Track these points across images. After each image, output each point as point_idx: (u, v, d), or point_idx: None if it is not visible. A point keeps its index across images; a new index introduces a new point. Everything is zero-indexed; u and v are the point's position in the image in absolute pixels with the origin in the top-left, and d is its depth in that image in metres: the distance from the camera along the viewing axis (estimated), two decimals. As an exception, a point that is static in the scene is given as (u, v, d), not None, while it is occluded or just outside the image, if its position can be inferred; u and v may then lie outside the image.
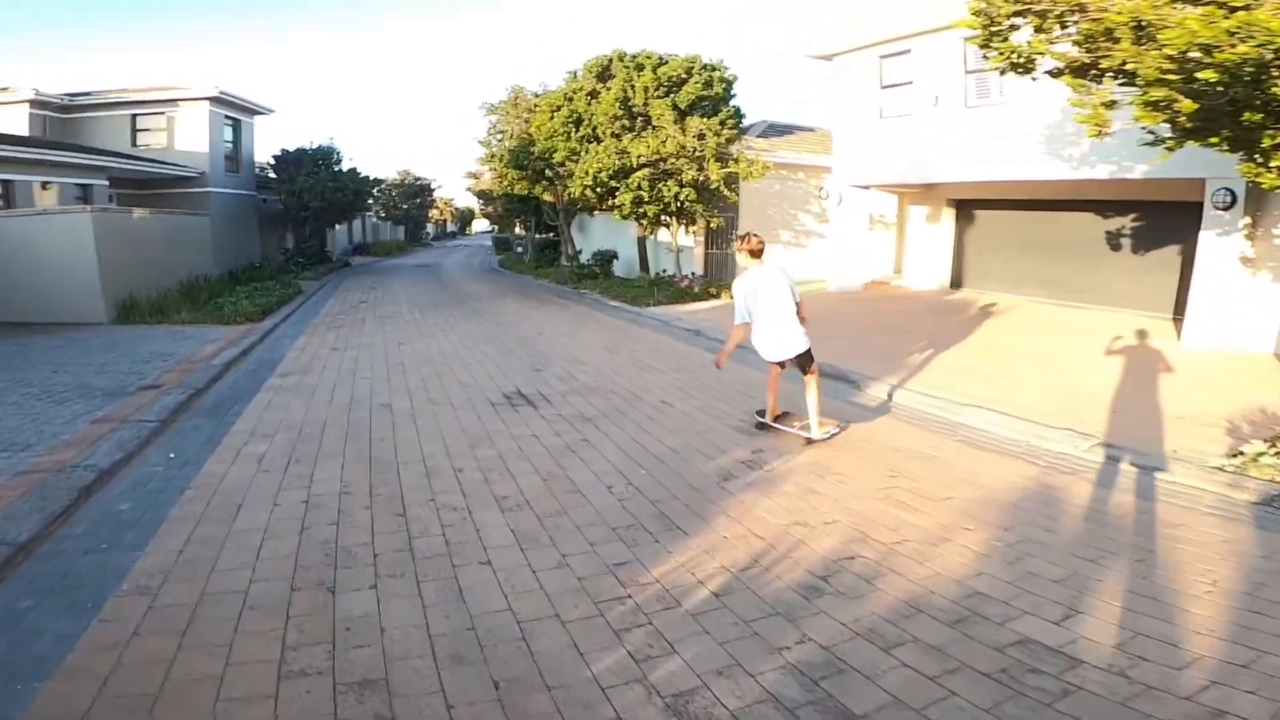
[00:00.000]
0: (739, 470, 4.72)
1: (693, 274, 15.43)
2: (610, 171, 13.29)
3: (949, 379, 6.88)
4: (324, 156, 24.80)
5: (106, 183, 16.94)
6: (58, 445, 5.01)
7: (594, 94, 16.51)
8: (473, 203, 73.64)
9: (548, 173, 16.55)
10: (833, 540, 3.66)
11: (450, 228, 76.90)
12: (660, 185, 13.17)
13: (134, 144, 20.59)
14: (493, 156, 22.78)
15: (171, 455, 5.10)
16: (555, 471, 4.74)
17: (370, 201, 29.94)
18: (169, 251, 13.70)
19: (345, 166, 25.43)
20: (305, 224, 24.06)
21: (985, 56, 6.76)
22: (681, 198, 13.24)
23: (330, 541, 3.65)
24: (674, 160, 13.21)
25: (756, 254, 5.28)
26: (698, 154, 13.37)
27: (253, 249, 23.06)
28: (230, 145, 22.58)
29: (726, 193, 13.69)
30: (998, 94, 11.21)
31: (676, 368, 8.11)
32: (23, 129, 18.50)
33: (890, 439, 5.40)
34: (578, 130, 15.42)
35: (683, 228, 14.78)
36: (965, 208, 14.53)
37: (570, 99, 16.63)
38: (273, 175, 24.35)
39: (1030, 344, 8.79)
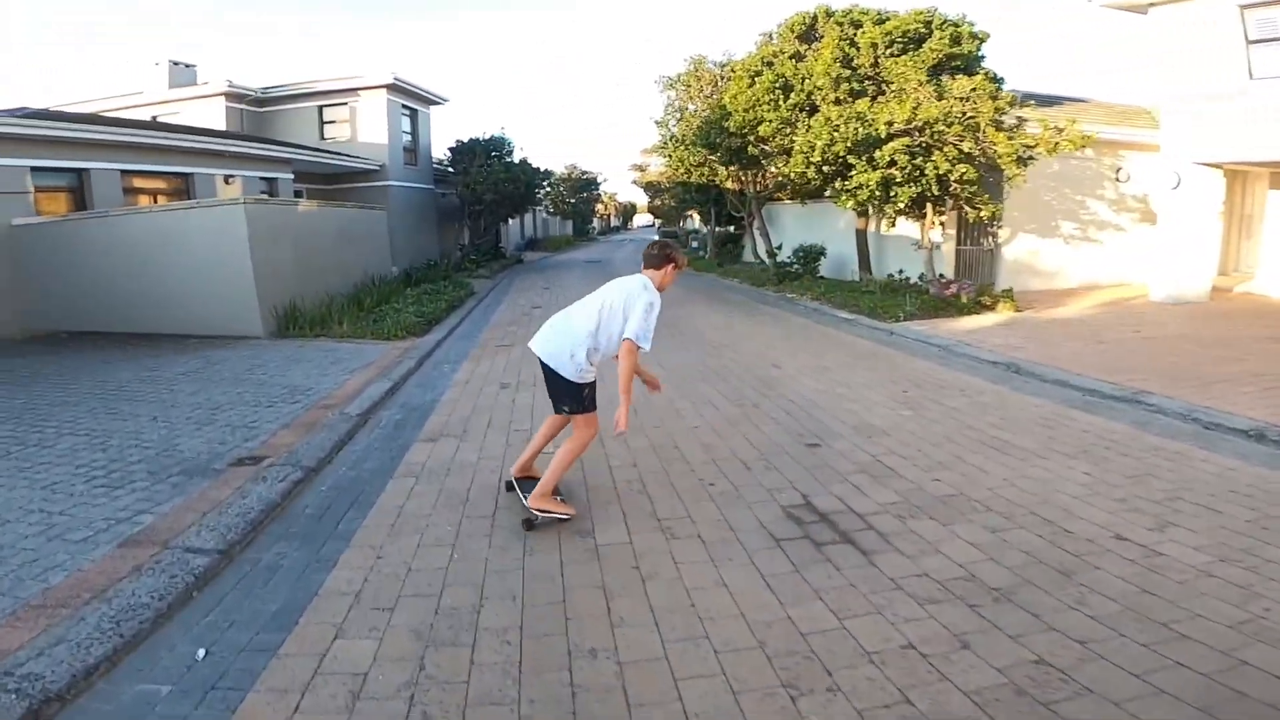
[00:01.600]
0: None
1: (946, 278, 11.49)
2: (850, 143, 9.79)
3: None
4: (496, 147, 23.43)
5: (291, 176, 16.24)
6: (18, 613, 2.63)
7: (797, 56, 13.04)
8: (635, 196, 72.53)
9: (750, 150, 13.31)
10: None
11: (613, 222, 76.39)
12: (923, 160, 9.46)
13: (321, 136, 20.21)
14: (670, 140, 19.99)
15: (201, 654, 2.57)
16: None
17: (541, 195, 28.46)
18: (343, 250, 12.26)
19: (516, 158, 23.97)
20: (480, 218, 22.83)
21: None
22: (954, 176, 9.44)
23: None
24: (940, 129, 9.45)
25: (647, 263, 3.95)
26: (970, 120, 9.50)
27: (430, 246, 22.18)
28: (408, 137, 21.76)
29: (1015, 170, 9.68)
30: None
31: (1060, 446, 4.60)
32: (219, 123, 18.51)
33: None
34: (787, 98, 12.04)
35: (914, 218, 10.93)
36: None
37: (770, 63, 13.28)
38: (450, 169, 23.38)
39: None
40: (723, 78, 16.69)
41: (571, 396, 3.70)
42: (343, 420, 5.50)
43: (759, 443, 4.97)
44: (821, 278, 14.47)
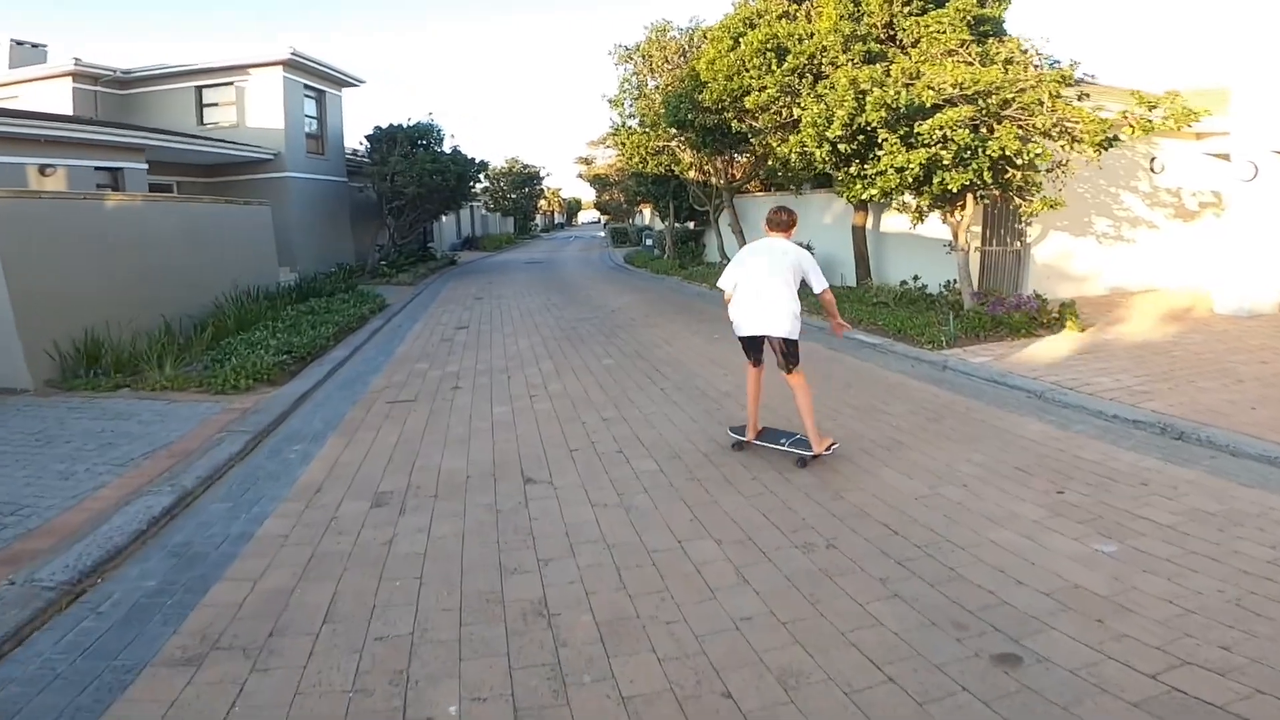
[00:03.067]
0: None
1: (978, 290, 9.09)
2: (886, 112, 7.17)
3: None
4: (422, 135, 20.08)
5: (144, 166, 12.65)
6: None
7: (787, 16, 10.46)
8: (580, 192, 69.32)
9: (733, 127, 10.60)
10: None
11: (557, 219, 72.97)
12: (984, 138, 6.94)
13: (200, 121, 16.52)
14: (622, 128, 17.22)
15: None
16: None
17: (477, 189, 25.12)
18: (196, 256, 8.97)
19: (447, 148, 20.69)
20: (402, 214, 19.49)
21: None
22: (1025, 158, 6.97)
23: None
24: (1008, 97, 7.00)
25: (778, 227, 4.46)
26: (1036, 91, 7.10)
27: (343, 247, 18.70)
28: (314, 122, 18.24)
29: (1094, 154, 7.32)
30: None
31: None
32: (65, 107, 14.70)
33: None
34: (781, 63, 9.42)
35: (946, 213, 8.42)
36: None
37: (753, 24, 10.64)
38: (368, 160, 19.91)
39: None
40: (693, 45, 13.98)
41: (795, 354, 4.34)
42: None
43: (888, 650, 2.28)
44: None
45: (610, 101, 15.84)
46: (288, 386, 6.33)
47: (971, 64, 7.44)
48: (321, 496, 4.04)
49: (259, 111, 16.29)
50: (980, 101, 6.93)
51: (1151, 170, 11.08)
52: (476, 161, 21.85)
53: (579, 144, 65.27)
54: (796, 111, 8.37)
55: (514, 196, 41.50)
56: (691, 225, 19.46)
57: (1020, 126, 7.11)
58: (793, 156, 8.56)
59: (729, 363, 7.08)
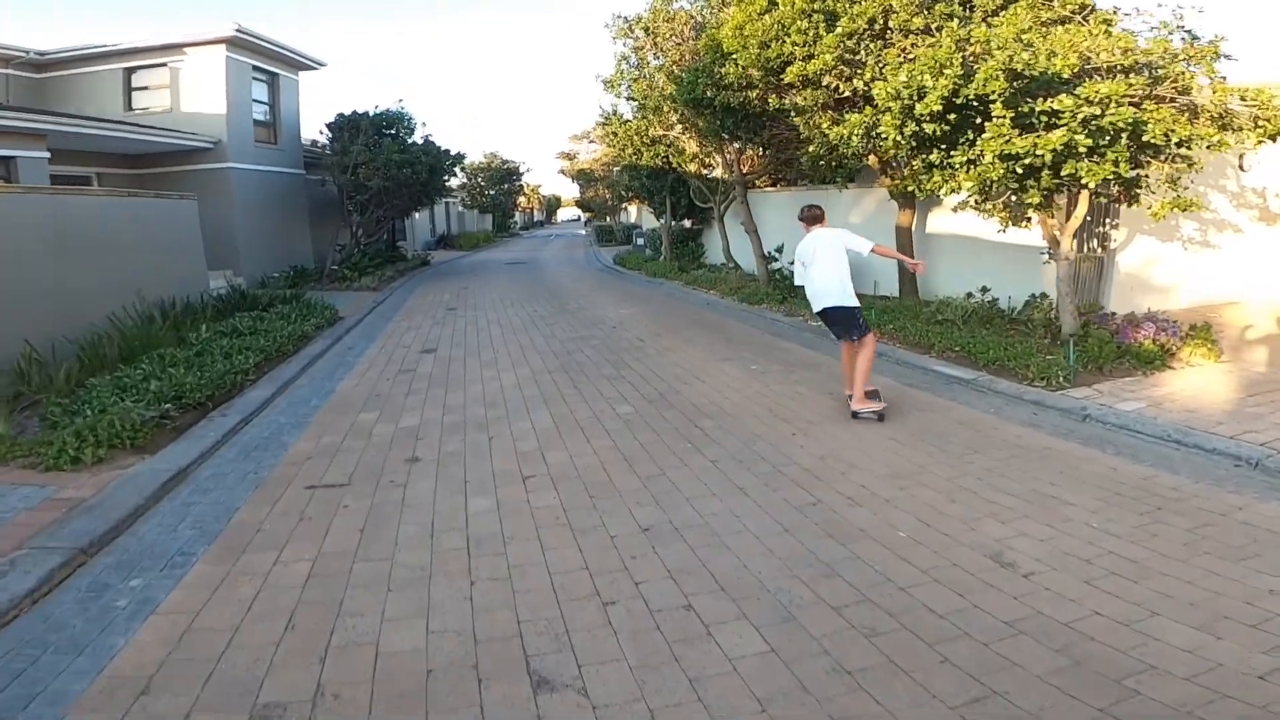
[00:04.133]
0: None
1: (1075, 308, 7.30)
2: (1019, 79, 5.29)
3: None
4: (389, 123, 17.91)
5: (46, 154, 10.36)
6: None
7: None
8: (560, 189, 66.83)
9: (770, 103, 8.64)
10: None
11: (536, 216, 70.61)
12: (1144, 118, 5.11)
13: (128, 106, 14.19)
14: (613, 117, 15.28)
15: None
16: None
17: (451, 182, 22.88)
18: (77, 263, 6.84)
19: (420, 138, 18.55)
20: (367, 210, 17.29)
21: None
22: (1200, 142, 5.20)
23: None
24: (1165, 72, 5.23)
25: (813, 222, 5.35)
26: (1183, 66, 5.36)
27: (300, 247, 16.43)
28: (264, 108, 15.94)
29: (1257, 139, 5.61)
30: None
31: None
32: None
33: None
34: (831, 28, 7.50)
35: (1046, 214, 6.60)
36: None
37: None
38: (328, 150, 17.65)
39: None
40: (708, 13, 11.99)
41: (857, 320, 5.02)
42: None
43: None
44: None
45: (605, 83, 13.83)
46: (161, 456, 4.27)
47: (1094, 34, 5.63)
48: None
49: (197, 96, 13.99)
50: (1138, 75, 5.12)
51: (1240, 169, 9.47)
52: (451, 153, 19.71)
53: (560, 139, 63.03)
54: (858, 84, 6.49)
55: (492, 193, 39.28)
56: (688, 224, 17.56)
57: (1177, 108, 5.32)
58: (853, 139, 6.66)
59: (792, 412, 5.18)
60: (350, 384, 6.55)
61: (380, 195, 16.65)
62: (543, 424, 5.10)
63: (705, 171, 14.18)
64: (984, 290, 8.28)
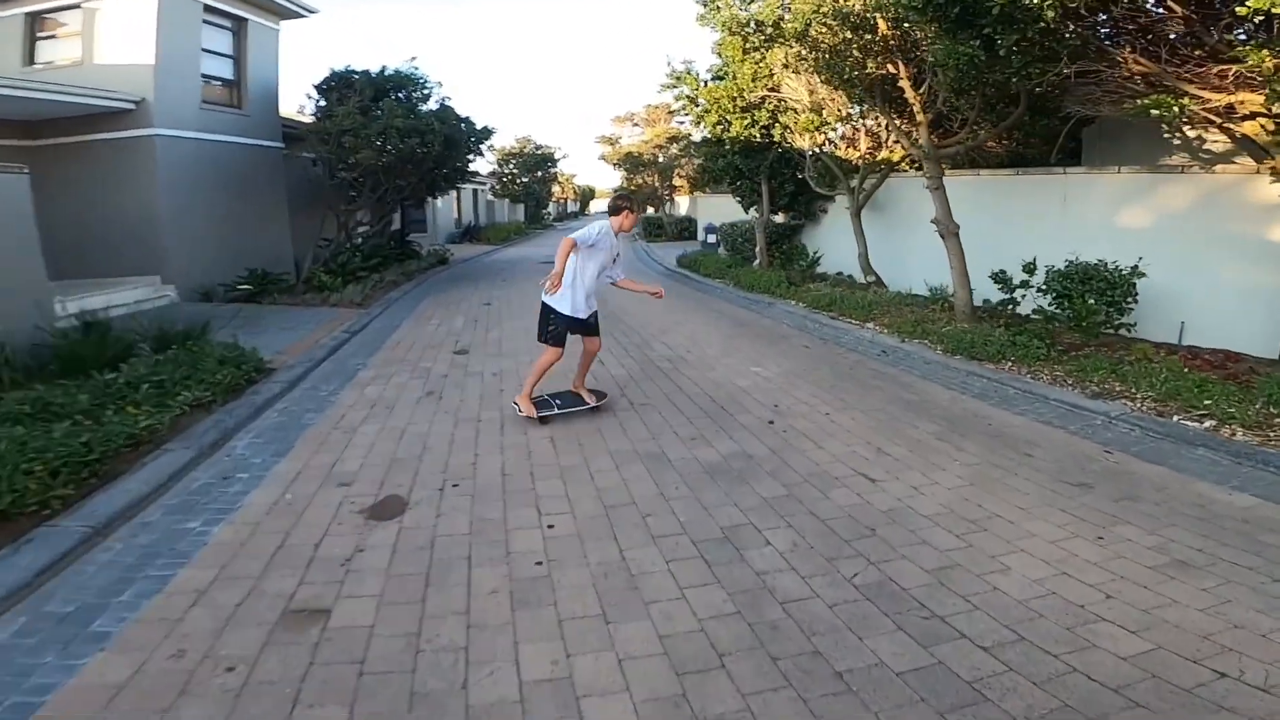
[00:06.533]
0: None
1: None
2: None
3: None
4: (397, 85, 13.65)
5: None
6: None
7: None
8: (597, 178, 61.87)
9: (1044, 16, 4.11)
10: None
11: (570, 207, 66.29)
12: None
13: (29, 60, 10.14)
14: (686, 76, 10.83)
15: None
16: None
17: (479, 166, 18.43)
18: None
19: (434, 105, 14.26)
20: (361, 194, 13.08)
21: None
22: None
23: None
24: None
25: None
26: None
27: (269, 245, 12.22)
28: (229, 64, 11.76)
29: None
30: None
31: None
32: None
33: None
34: None
35: None
36: None
37: None
38: (315, 116, 13.45)
39: None
40: None
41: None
42: None
43: None
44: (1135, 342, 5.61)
45: (704, 8, 9.31)
46: None
47: None
48: None
49: (118, 44, 9.81)
50: None
51: None
52: (476, 126, 15.39)
53: (597, 126, 58.20)
54: None
55: (525, 180, 34.96)
56: (780, 218, 12.92)
57: None
58: None
59: None
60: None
61: (377, 174, 12.40)
62: None
63: (827, 146, 9.58)
64: None
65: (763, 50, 9.08)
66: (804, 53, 7.75)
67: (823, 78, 7.78)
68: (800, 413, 4.90)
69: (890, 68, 7.03)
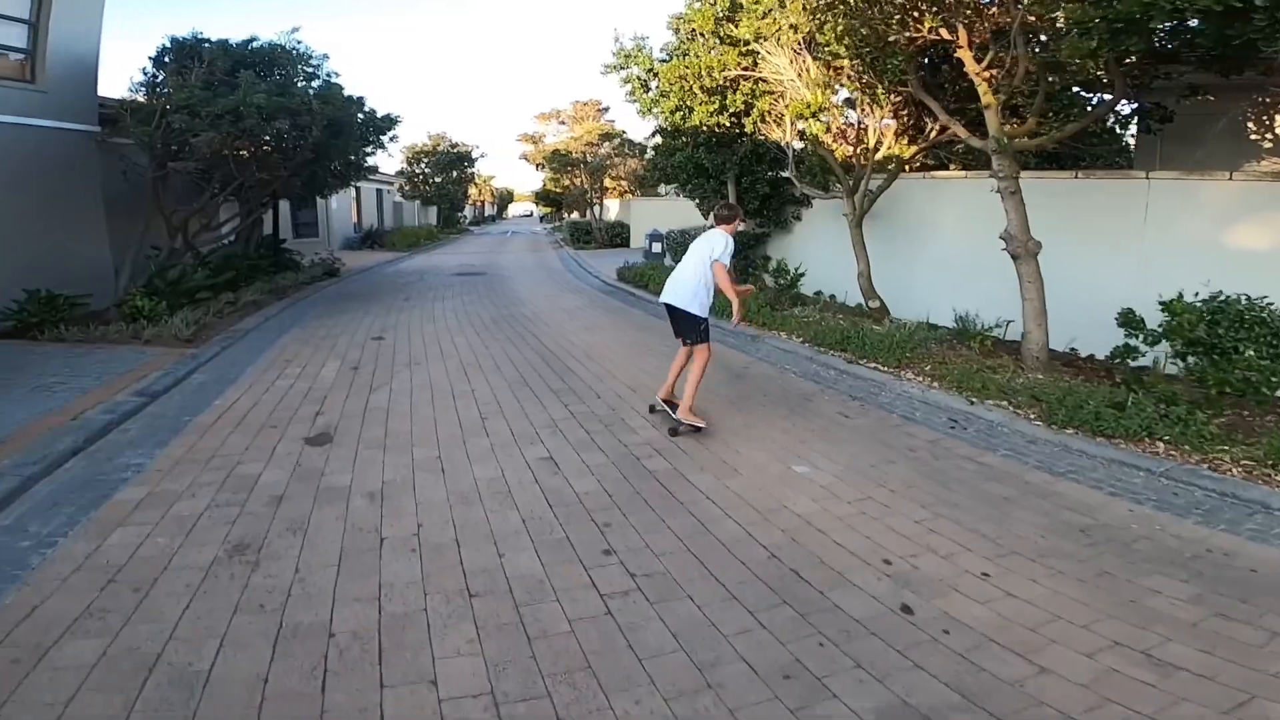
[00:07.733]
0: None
1: None
2: None
3: None
4: (266, 60, 10.72)
5: None
6: None
7: None
8: (516, 180, 58.15)
9: None
10: None
11: (487, 210, 62.58)
12: None
13: None
14: (636, 53, 8.68)
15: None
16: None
17: (377, 156, 15.28)
18: None
19: (320, 85, 11.35)
20: (203, 191, 9.98)
21: None
22: None
23: None
24: None
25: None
26: None
27: (81, 255, 9.00)
28: (23, 29, 8.48)
29: None
30: None
31: None
32: None
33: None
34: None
35: None
36: None
37: None
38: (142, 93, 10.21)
39: None
40: None
41: (698, 330, 4.46)
42: None
43: None
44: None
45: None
46: None
47: None
48: None
49: None
50: None
51: None
52: (371, 109, 12.62)
53: (518, 123, 54.65)
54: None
55: (438, 180, 31.69)
56: (742, 225, 10.89)
57: None
58: None
59: None
60: None
61: (228, 165, 9.43)
62: None
63: (824, 137, 7.58)
64: None
65: (752, 18, 7.00)
66: (819, 13, 5.66)
67: (846, 46, 5.69)
68: (935, 575, 2.76)
69: (944, 33, 5.10)
